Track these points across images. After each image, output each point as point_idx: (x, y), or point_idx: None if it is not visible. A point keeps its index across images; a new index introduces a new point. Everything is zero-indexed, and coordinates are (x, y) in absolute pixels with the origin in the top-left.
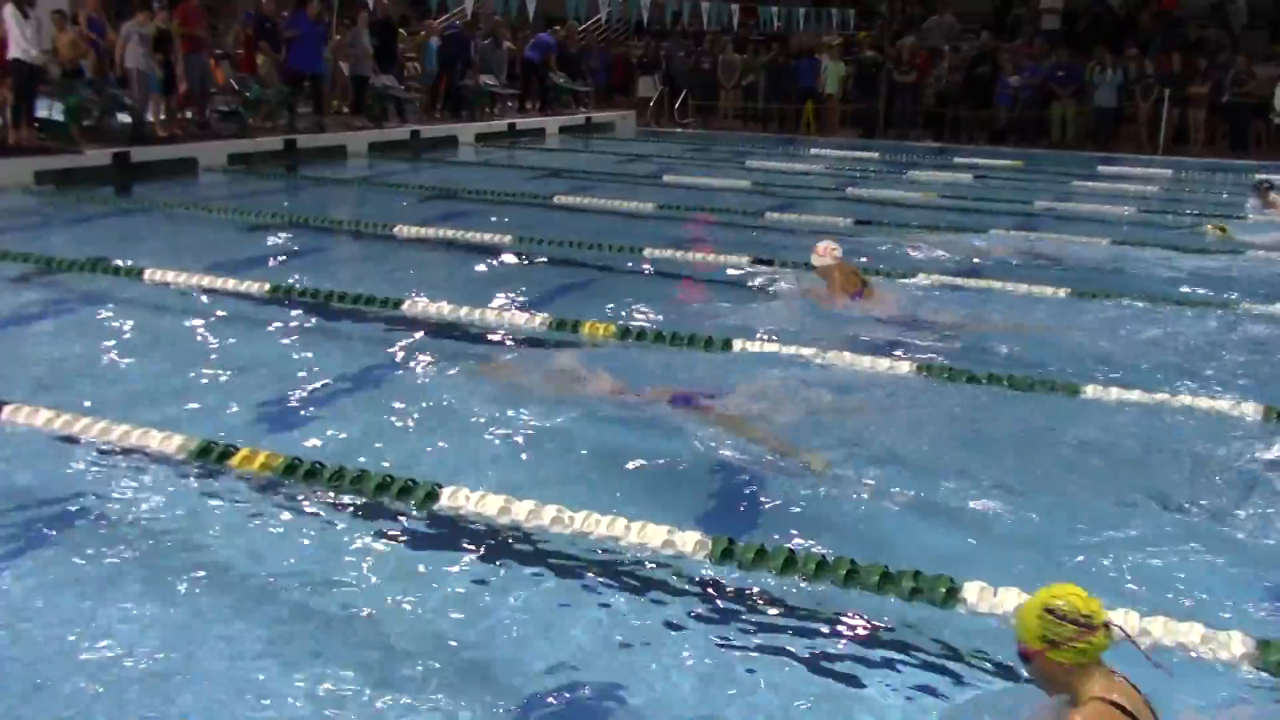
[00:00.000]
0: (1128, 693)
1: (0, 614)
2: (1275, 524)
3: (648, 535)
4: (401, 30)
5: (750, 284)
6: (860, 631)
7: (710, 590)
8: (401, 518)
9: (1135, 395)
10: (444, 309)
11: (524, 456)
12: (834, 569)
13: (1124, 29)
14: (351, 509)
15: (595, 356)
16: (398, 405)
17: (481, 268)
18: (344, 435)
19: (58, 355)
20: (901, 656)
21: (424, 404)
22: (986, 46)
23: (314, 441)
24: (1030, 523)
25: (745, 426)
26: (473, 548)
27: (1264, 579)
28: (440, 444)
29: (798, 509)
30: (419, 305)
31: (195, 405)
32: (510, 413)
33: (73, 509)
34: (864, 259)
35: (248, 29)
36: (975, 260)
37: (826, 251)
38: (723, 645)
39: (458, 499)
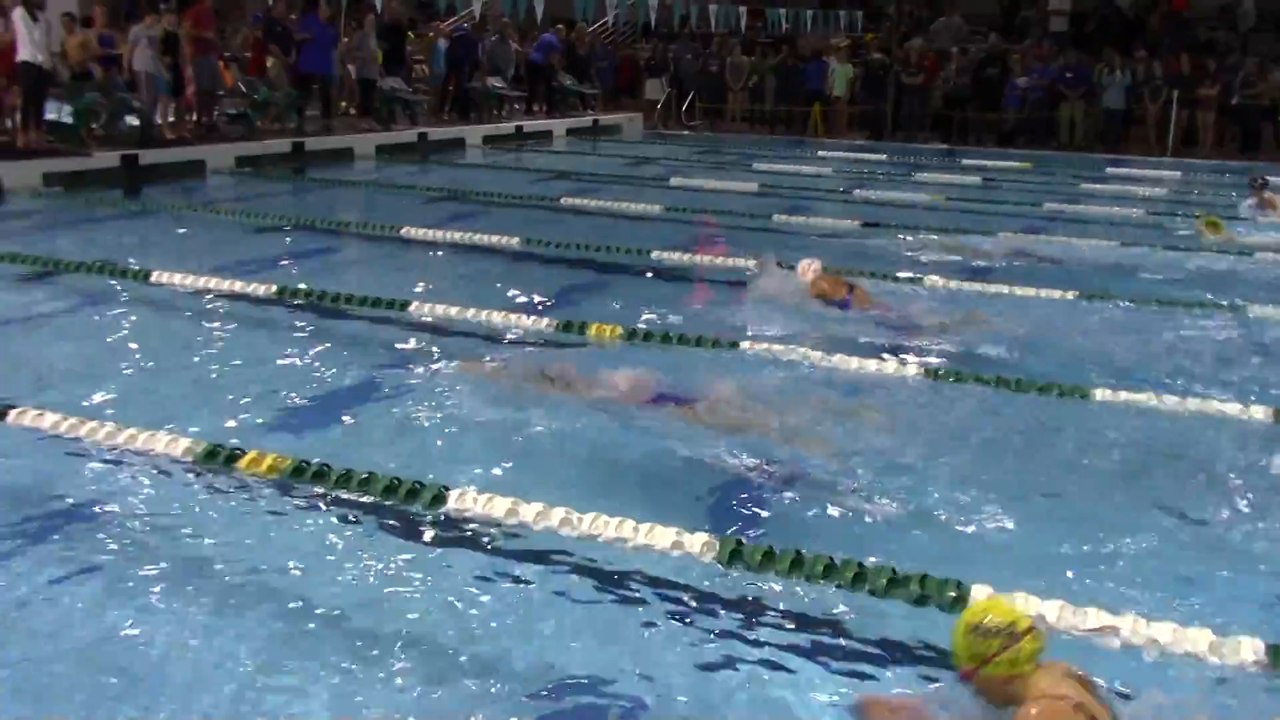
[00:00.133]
0: (1073, 685)
1: (9, 617)
2: None
3: (655, 537)
4: (409, 33)
5: (748, 285)
6: (868, 634)
7: (717, 592)
8: (409, 519)
9: (1144, 398)
10: (451, 311)
11: (530, 459)
12: (841, 571)
13: (1132, 31)
14: (359, 511)
15: (586, 357)
16: (405, 407)
17: (488, 269)
18: (351, 437)
19: (65, 357)
20: (911, 659)
21: (431, 406)
22: (995, 48)
23: (322, 443)
24: (1038, 526)
25: (743, 424)
26: (480, 550)
27: (1276, 584)
28: (448, 446)
29: (803, 511)
30: (426, 307)
31: (202, 407)
32: (518, 415)
33: (80, 512)
34: (871, 260)
35: (256, 31)
36: (983, 262)
37: (806, 271)
38: (730, 647)
39: (465, 501)
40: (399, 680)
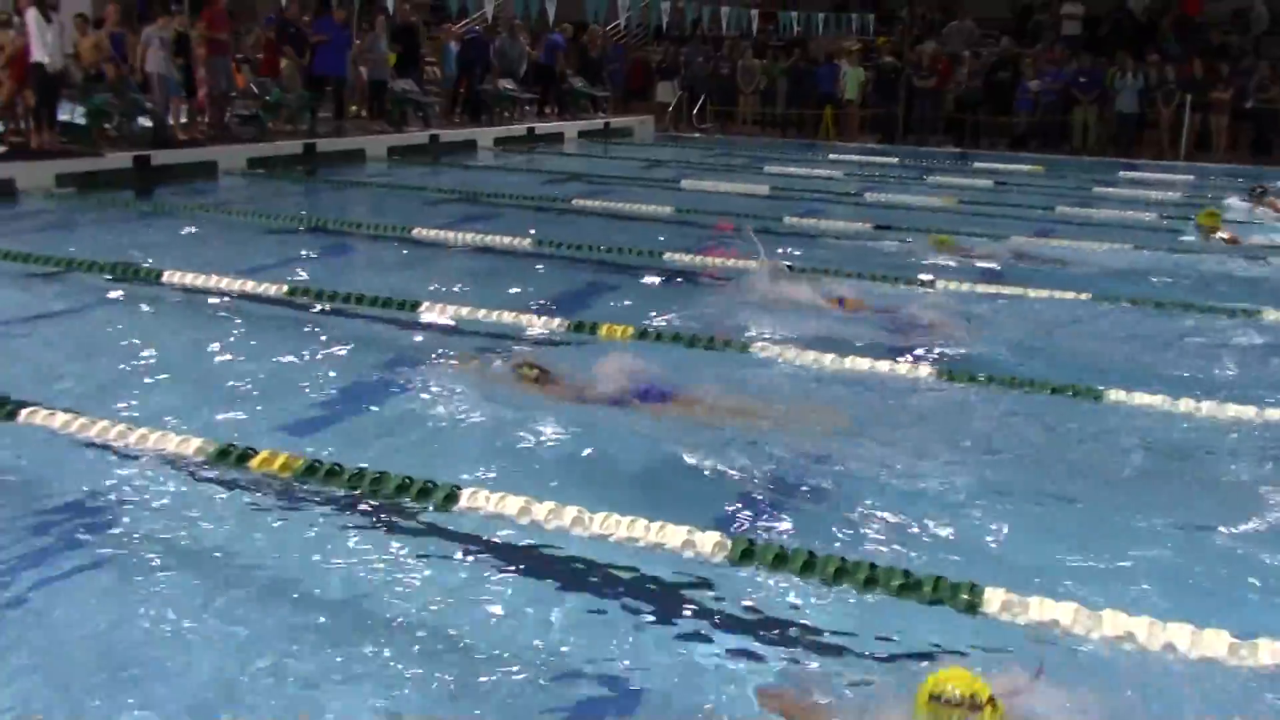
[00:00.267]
0: None
1: (21, 616)
2: None
3: (667, 536)
4: (424, 35)
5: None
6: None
7: (729, 591)
8: (421, 519)
9: (1158, 400)
10: (462, 311)
11: (539, 458)
12: (854, 573)
13: (1145, 35)
14: (371, 510)
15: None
16: (416, 407)
17: (500, 270)
18: (363, 436)
19: (77, 357)
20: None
21: (442, 406)
22: (1007, 52)
23: (334, 443)
24: (1052, 528)
25: (751, 422)
26: (491, 549)
27: None
28: (459, 445)
29: (814, 512)
30: (437, 307)
31: (214, 407)
32: (529, 415)
33: (91, 511)
34: (882, 263)
35: (269, 33)
36: (995, 265)
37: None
38: (743, 645)
39: (477, 500)
40: (409, 678)
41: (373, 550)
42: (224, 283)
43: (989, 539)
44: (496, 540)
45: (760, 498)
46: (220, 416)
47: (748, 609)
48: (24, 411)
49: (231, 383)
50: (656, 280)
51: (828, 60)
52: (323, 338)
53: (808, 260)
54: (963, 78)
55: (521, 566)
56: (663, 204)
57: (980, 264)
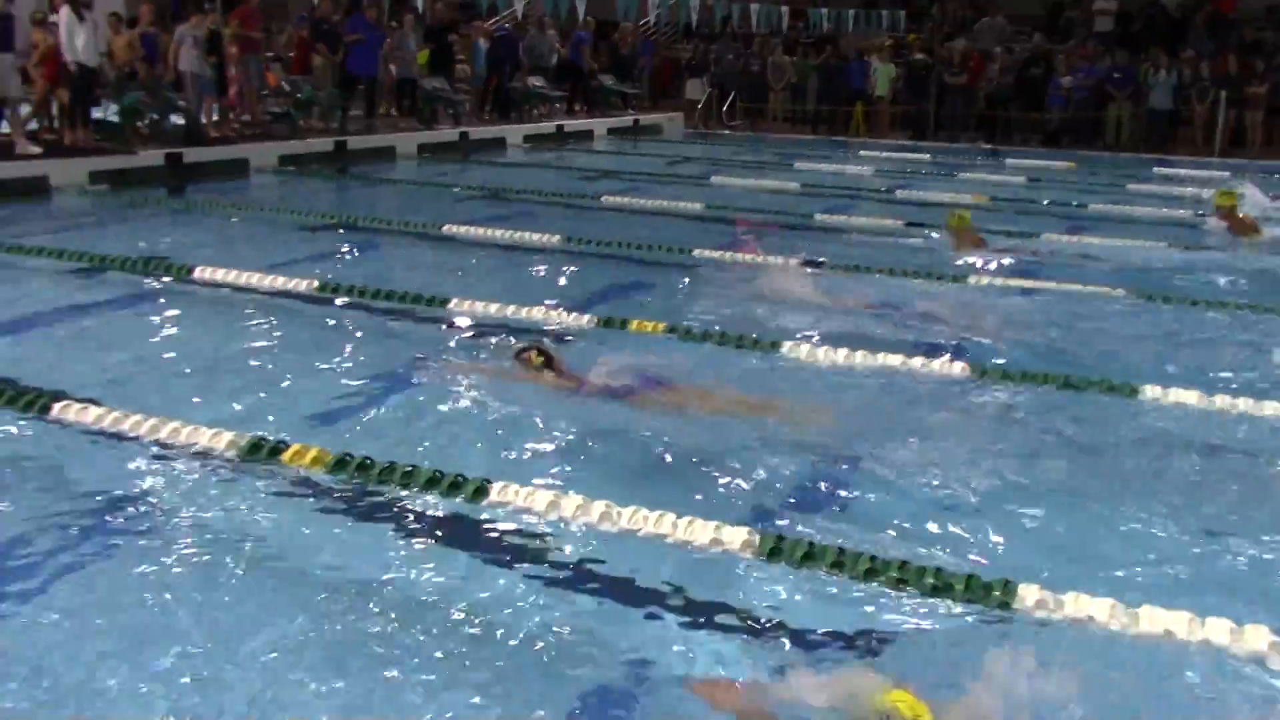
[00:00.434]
0: None
1: (55, 611)
2: None
3: (694, 532)
4: (456, 34)
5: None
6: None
7: (755, 587)
8: (451, 512)
9: (1193, 397)
10: (492, 308)
11: (569, 452)
12: (884, 570)
13: (1178, 30)
14: (401, 504)
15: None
16: (446, 402)
17: (530, 267)
18: (393, 431)
19: (109, 352)
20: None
21: (471, 401)
22: (1039, 48)
23: (364, 437)
24: (1087, 525)
25: (780, 417)
26: (520, 543)
27: None
28: (489, 440)
29: (845, 508)
30: (467, 304)
31: (246, 402)
32: (559, 409)
33: (123, 506)
34: (914, 259)
35: (301, 31)
36: (1028, 261)
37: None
38: (763, 641)
39: (506, 494)
40: (436, 671)
41: (402, 544)
42: (255, 279)
43: (1022, 536)
44: (525, 534)
45: (787, 494)
46: (252, 411)
47: (772, 606)
48: (57, 405)
49: (263, 378)
50: (686, 277)
51: (858, 57)
52: (353, 334)
53: (838, 257)
54: (994, 74)
55: (549, 561)
56: (692, 201)
57: (1013, 260)
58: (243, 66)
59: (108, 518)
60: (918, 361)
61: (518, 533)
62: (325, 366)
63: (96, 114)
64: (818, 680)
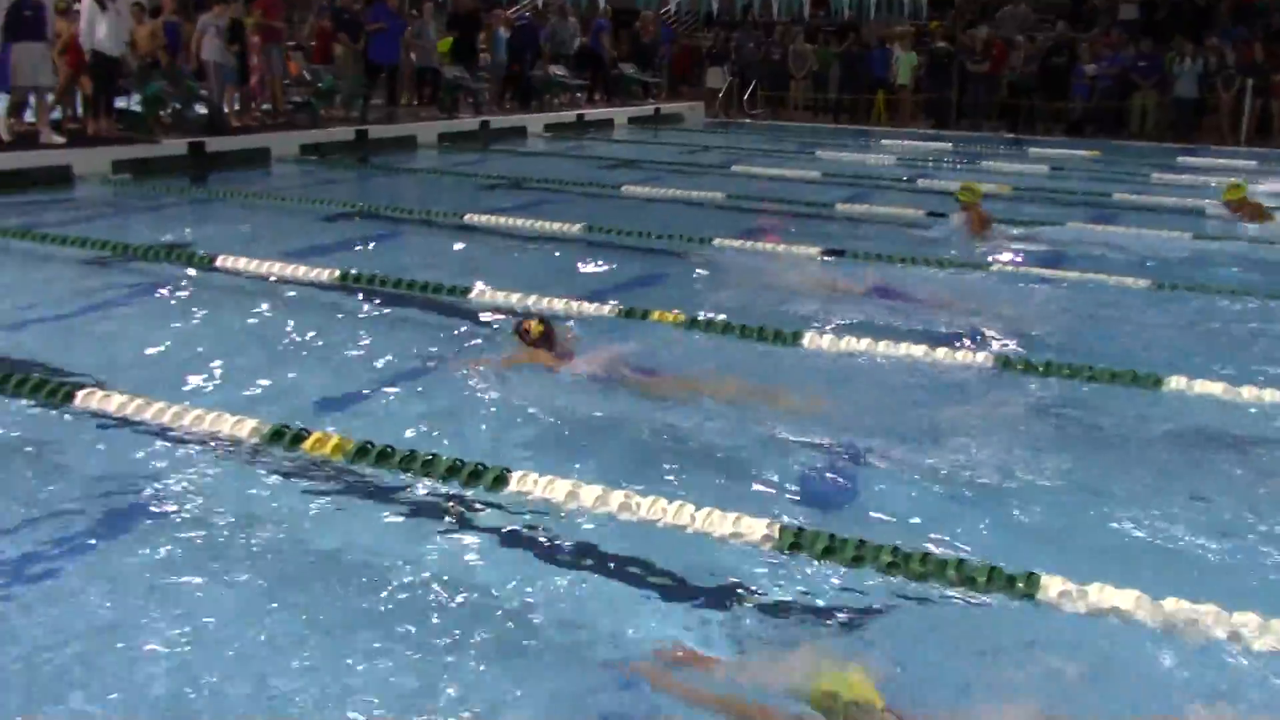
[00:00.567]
0: None
1: (76, 597)
2: None
3: (713, 523)
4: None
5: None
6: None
7: (776, 579)
8: (470, 501)
9: (1219, 389)
10: (513, 297)
11: (587, 442)
12: (907, 562)
13: (1203, 18)
14: (421, 492)
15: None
16: (466, 391)
17: (550, 256)
18: (414, 420)
19: (132, 340)
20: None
21: (492, 390)
22: (1062, 36)
23: (385, 425)
24: (1111, 516)
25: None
26: (539, 533)
27: None
28: (509, 429)
29: (865, 499)
30: (488, 293)
31: (268, 390)
32: (580, 399)
33: (145, 493)
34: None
35: (324, 20)
36: (1050, 251)
37: None
38: (785, 634)
39: (526, 484)
40: (454, 659)
41: (421, 532)
42: (276, 268)
43: (1046, 528)
44: (544, 523)
45: (806, 484)
46: (273, 399)
47: (795, 597)
48: (80, 393)
49: (284, 366)
50: (707, 267)
51: (880, 45)
52: (374, 323)
53: (859, 246)
54: (1017, 62)
55: (570, 550)
56: (713, 190)
57: (1036, 250)
58: (265, 56)
59: (130, 505)
60: (940, 352)
61: (537, 521)
62: (346, 355)
63: (120, 104)
64: (773, 660)
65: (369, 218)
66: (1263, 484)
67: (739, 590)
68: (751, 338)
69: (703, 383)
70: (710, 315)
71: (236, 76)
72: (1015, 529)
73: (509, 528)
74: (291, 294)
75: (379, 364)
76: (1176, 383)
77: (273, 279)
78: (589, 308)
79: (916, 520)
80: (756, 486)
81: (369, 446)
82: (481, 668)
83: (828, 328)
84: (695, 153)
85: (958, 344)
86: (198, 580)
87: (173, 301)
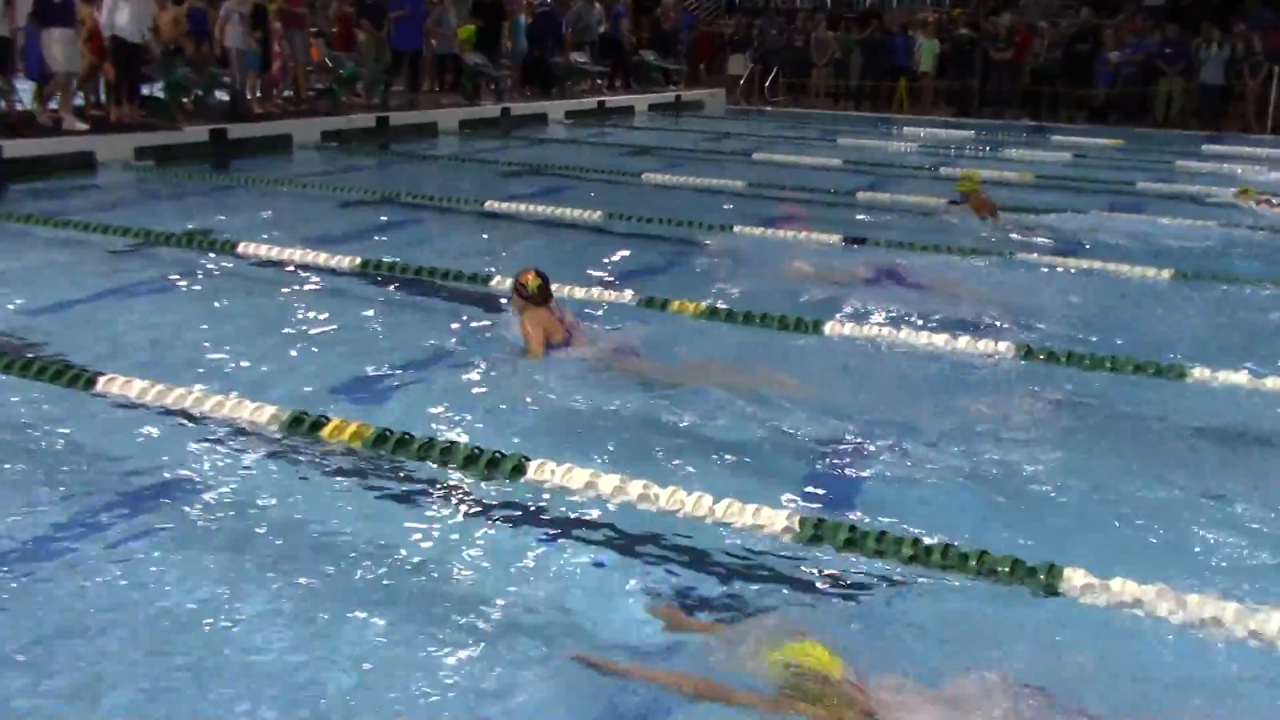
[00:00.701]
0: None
1: (98, 584)
2: None
3: (734, 513)
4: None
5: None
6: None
7: (797, 569)
8: (488, 489)
9: (1243, 379)
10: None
11: (605, 431)
12: (927, 556)
13: (1229, 4)
14: (439, 480)
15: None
16: (486, 378)
17: (571, 244)
18: (433, 407)
19: (154, 326)
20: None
21: (510, 379)
22: (1086, 23)
23: (403, 413)
24: (1134, 509)
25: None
26: (556, 521)
27: None
28: (527, 418)
29: (883, 489)
30: (508, 281)
31: (287, 376)
32: (595, 389)
33: (166, 479)
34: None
35: (346, 6)
36: (1073, 240)
37: None
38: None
39: (544, 472)
40: (471, 649)
41: (439, 519)
42: (297, 255)
43: (1068, 519)
44: (561, 512)
45: (827, 475)
46: (293, 385)
47: (817, 588)
48: (101, 379)
49: (304, 353)
50: (728, 255)
51: (902, 32)
52: (394, 310)
53: (881, 234)
54: (1040, 49)
55: (587, 539)
56: (734, 177)
57: (1058, 239)
58: (288, 42)
59: (150, 490)
60: (961, 341)
61: (554, 510)
62: (366, 342)
63: (144, 90)
64: (731, 632)
65: (390, 204)
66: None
67: (753, 580)
68: (772, 326)
69: (720, 371)
70: (730, 303)
71: (259, 63)
72: (1036, 520)
73: (524, 516)
74: (312, 281)
75: (398, 351)
76: (1200, 373)
77: (293, 266)
78: (609, 295)
79: (935, 511)
80: (774, 476)
81: (387, 434)
82: (493, 654)
83: (848, 316)
84: (716, 140)
85: (979, 333)
86: (214, 564)
87: (194, 288)
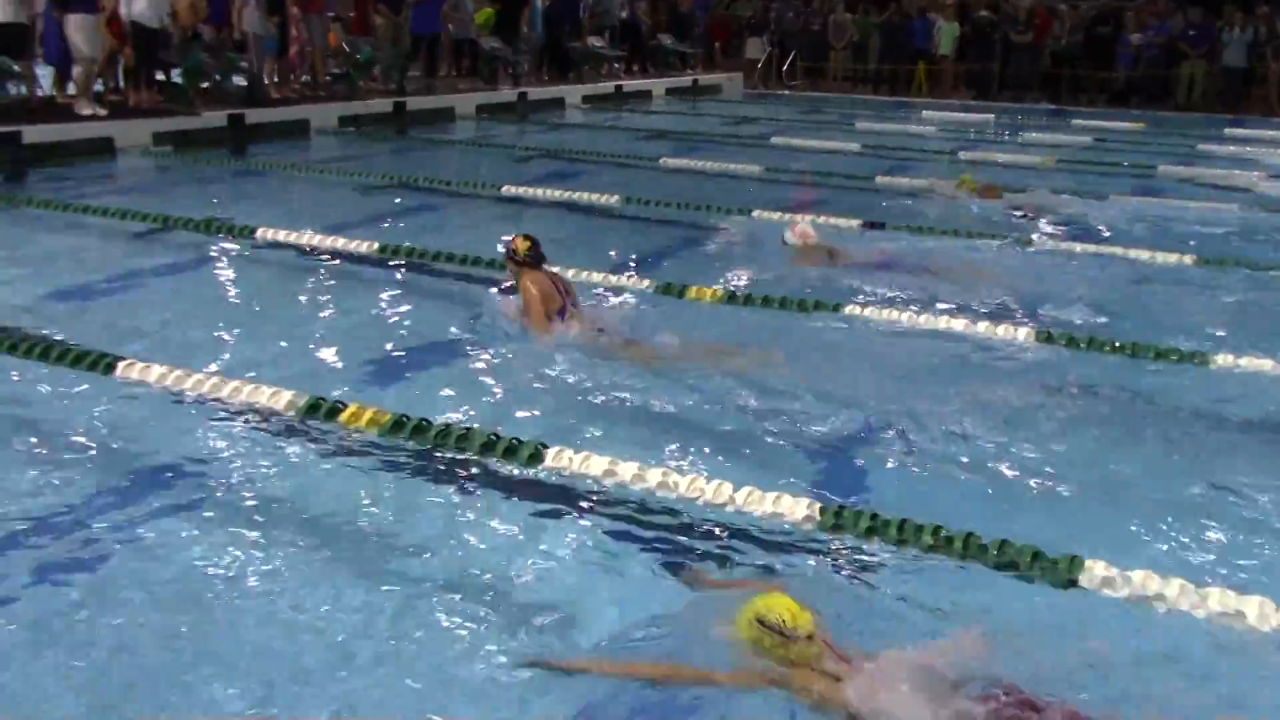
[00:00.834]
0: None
1: (115, 566)
2: None
3: (753, 501)
4: None
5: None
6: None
7: (819, 556)
8: (505, 476)
9: (1268, 365)
10: (552, 270)
11: (626, 418)
12: (947, 546)
13: None
14: (456, 467)
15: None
16: (504, 364)
17: (588, 229)
18: (450, 393)
19: (172, 312)
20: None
21: (528, 365)
22: (1107, 5)
23: (421, 398)
24: (1156, 499)
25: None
26: (574, 509)
27: None
28: (547, 404)
29: (904, 479)
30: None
31: (304, 361)
32: (618, 376)
33: (182, 464)
34: (977, 223)
35: None
36: (1096, 226)
37: (800, 235)
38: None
39: (562, 459)
40: (488, 635)
41: (457, 506)
42: (315, 240)
43: (1088, 510)
44: (579, 499)
45: (845, 462)
46: (310, 371)
47: (837, 575)
48: (120, 365)
49: (321, 338)
50: (745, 239)
51: (921, 15)
52: (412, 295)
53: (899, 219)
54: (1061, 32)
55: (604, 527)
56: (751, 162)
57: (1078, 223)
58: (305, 26)
59: (167, 475)
60: (981, 326)
61: (572, 497)
62: (383, 327)
63: (160, 75)
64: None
65: (407, 190)
66: None
67: (779, 568)
68: (791, 309)
69: (736, 356)
70: (747, 288)
71: (277, 48)
72: (1056, 510)
73: (542, 502)
74: (329, 266)
75: (416, 337)
76: (1223, 360)
77: (311, 251)
78: (626, 280)
79: (954, 500)
80: (791, 463)
81: (404, 420)
82: (512, 642)
83: (867, 302)
84: (734, 124)
85: (997, 318)
86: (232, 550)
87: (212, 273)
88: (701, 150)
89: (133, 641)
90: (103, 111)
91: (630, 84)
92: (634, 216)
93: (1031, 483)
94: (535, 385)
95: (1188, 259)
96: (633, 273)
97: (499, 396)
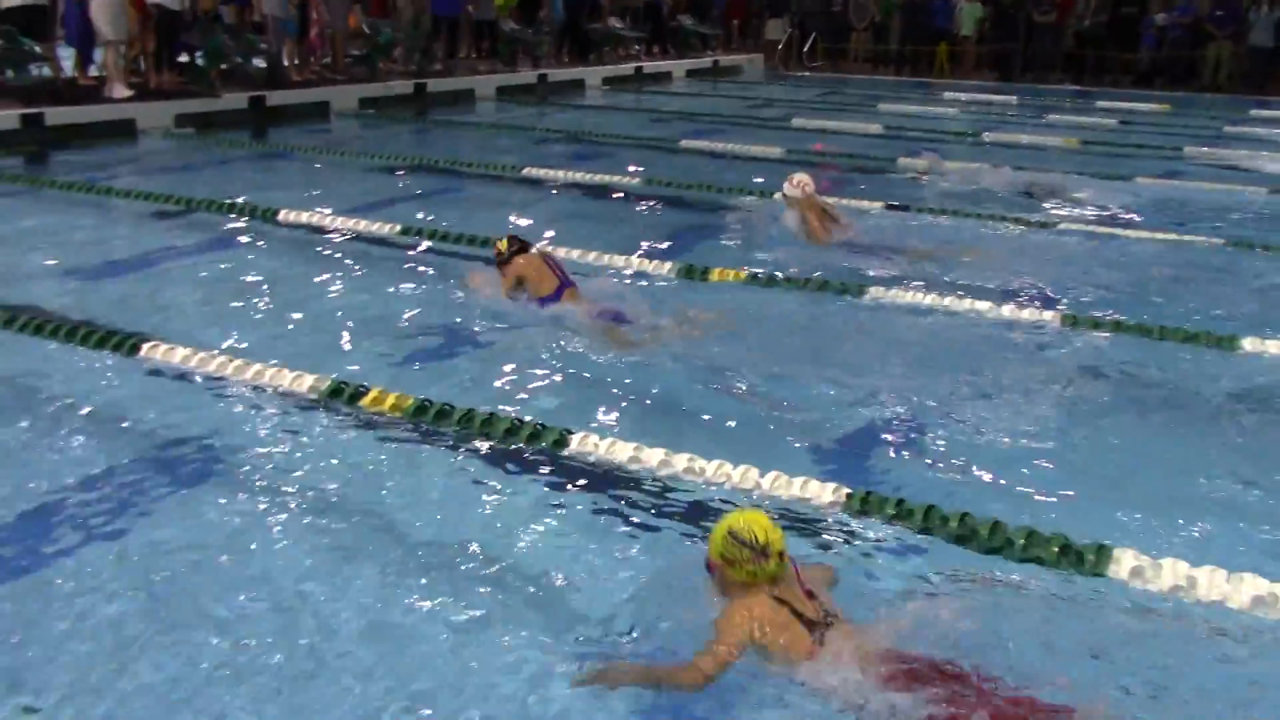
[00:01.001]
0: (769, 615)
1: (136, 550)
2: None
3: (780, 486)
4: None
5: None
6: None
7: (845, 541)
8: (530, 461)
9: None
10: (573, 253)
11: (652, 402)
12: (973, 536)
13: None
14: (480, 452)
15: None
16: (527, 348)
17: (609, 211)
18: (473, 377)
19: (195, 294)
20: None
21: (553, 347)
22: None
23: (444, 383)
24: (1186, 485)
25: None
26: (599, 494)
27: None
28: (572, 389)
29: (927, 465)
30: (548, 250)
31: (327, 345)
32: (638, 359)
33: (205, 446)
34: (1000, 204)
35: None
36: (1120, 208)
37: (799, 184)
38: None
39: (587, 445)
40: (510, 620)
41: (479, 492)
42: (337, 221)
43: (1117, 497)
44: (604, 485)
45: (870, 448)
46: (333, 354)
47: (862, 563)
48: (145, 346)
49: (344, 321)
50: (767, 220)
51: None
52: (433, 277)
53: (922, 200)
54: (1084, 12)
55: (629, 512)
56: (772, 144)
57: (1103, 206)
58: (325, 8)
59: (190, 456)
60: (1006, 309)
61: (597, 482)
62: (406, 311)
63: (181, 57)
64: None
65: (428, 171)
66: None
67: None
68: (812, 289)
69: (759, 340)
70: (771, 270)
71: (297, 29)
72: (1085, 497)
73: (567, 489)
74: (352, 248)
75: (438, 319)
76: (1251, 344)
77: (332, 232)
78: (648, 264)
79: (980, 484)
80: (818, 447)
81: (427, 404)
82: (538, 627)
83: (890, 283)
84: (754, 106)
85: (1023, 301)
86: (250, 533)
87: (234, 255)
88: (722, 132)
89: (142, 620)
90: (130, 92)
91: (650, 65)
92: (655, 196)
93: (1058, 470)
94: (562, 369)
95: (1215, 242)
96: (653, 254)
97: (525, 379)
